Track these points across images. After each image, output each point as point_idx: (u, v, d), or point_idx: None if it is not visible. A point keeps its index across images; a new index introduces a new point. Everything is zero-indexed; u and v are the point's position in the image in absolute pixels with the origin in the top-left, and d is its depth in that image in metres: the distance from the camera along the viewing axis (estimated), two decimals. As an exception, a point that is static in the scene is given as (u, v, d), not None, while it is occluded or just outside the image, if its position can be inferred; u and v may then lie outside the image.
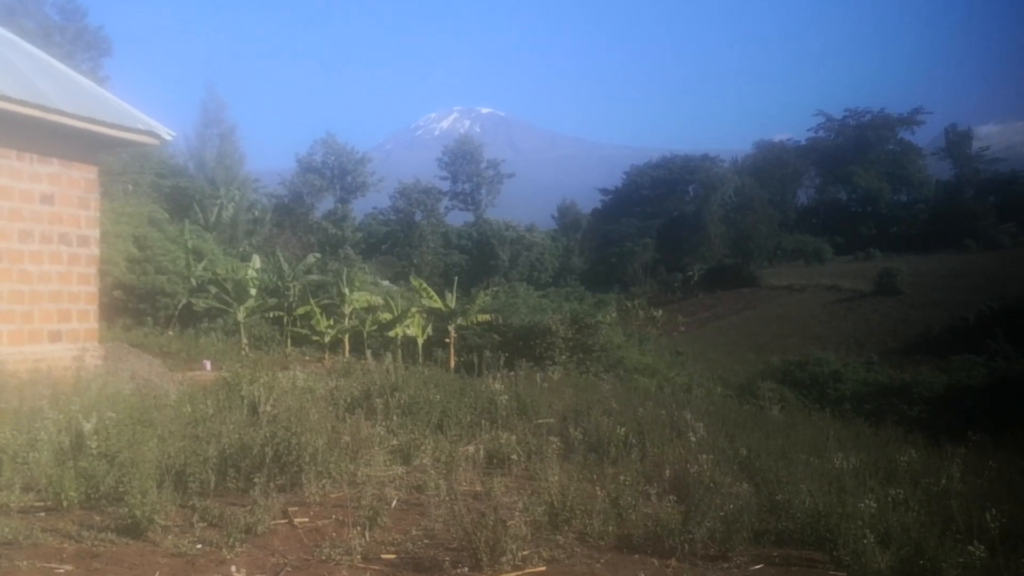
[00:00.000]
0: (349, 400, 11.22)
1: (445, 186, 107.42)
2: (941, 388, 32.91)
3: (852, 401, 31.28)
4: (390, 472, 8.51)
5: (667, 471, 8.68)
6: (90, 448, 7.48)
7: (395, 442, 9.27)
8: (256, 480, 7.08)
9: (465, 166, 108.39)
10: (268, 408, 8.84)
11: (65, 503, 6.83)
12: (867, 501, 6.80)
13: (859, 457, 9.62)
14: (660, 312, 77.28)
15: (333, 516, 7.10)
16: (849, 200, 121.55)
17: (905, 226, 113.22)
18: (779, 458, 9.35)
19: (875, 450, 11.12)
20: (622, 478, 7.93)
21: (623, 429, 9.97)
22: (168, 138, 13.58)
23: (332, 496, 7.57)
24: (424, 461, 8.69)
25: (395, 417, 10.34)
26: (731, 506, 7.00)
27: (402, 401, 10.85)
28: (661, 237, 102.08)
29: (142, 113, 13.40)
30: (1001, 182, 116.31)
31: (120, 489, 6.80)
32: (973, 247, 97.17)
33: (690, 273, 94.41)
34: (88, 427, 7.65)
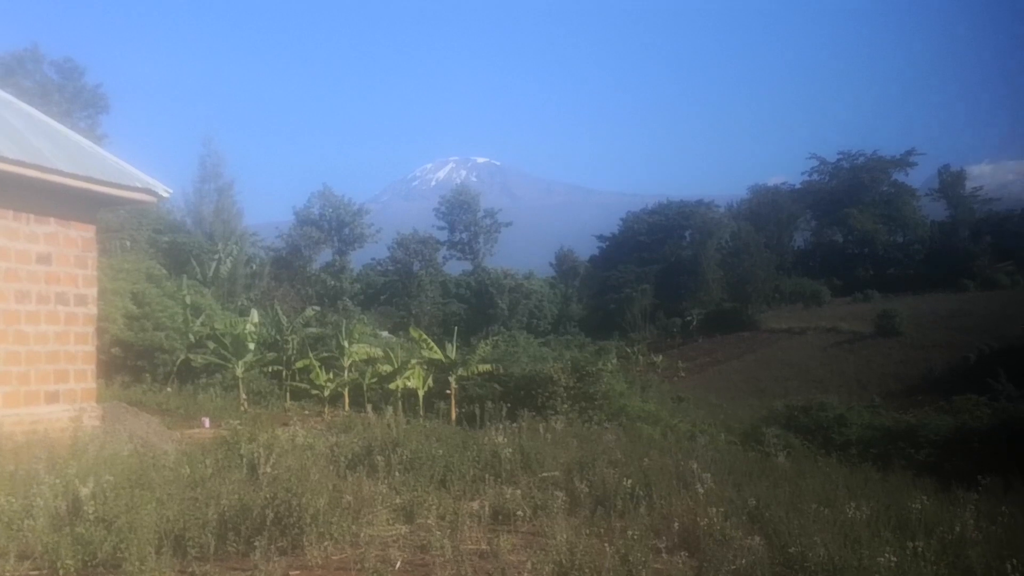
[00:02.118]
0: (350, 457, 11.06)
1: (442, 236, 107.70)
2: (947, 431, 32.58)
3: (858, 446, 30.92)
4: (393, 531, 8.32)
5: (676, 524, 8.50)
6: (87, 513, 7.31)
7: (398, 500, 9.09)
8: (257, 543, 6.91)
9: (462, 215, 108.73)
10: (268, 469, 8.67)
11: (62, 571, 6.65)
12: (886, 554, 6.64)
13: (870, 505, 9.44)
14: (660, 358, 77.11)
15: (336, 579, 6.93)
16: (845, 242, 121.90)
17: (902, 267, 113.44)
18: (789, 508, 9.18)
19: (885, 497, 10.93)
20: (630, 532, 7.75)
21: (629, 481, 9.80)
22: (166, 195, 13.55)
23: (335, 558, 7.39)
24: (428, 520, 8.51)
25: (397, 474, 10.16)
26: (744, 560, 6.84)
27: (404, 457, 10.67)
28: (659, 283, 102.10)
29: (139, 171, 13.39)
30: (996, 221, 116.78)
31: (118, 555, 6.64)
32: (970, 287, 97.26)
33: (689, 318, 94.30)
34: (85, 492, 7.50)
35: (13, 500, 7.46)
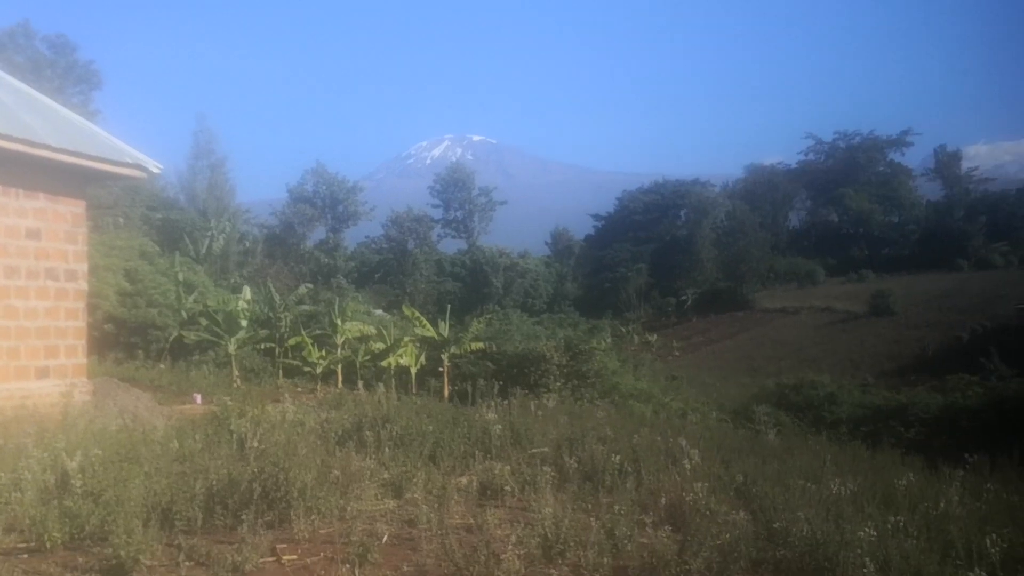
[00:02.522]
0: (340, 433, 11.08)
1: (437, 214, 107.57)
2: (937, 409, 32.78)
3: (848, 424, 31.14)
4: (381, 506, 8.36)
5: (663, 499, 8.54)
6: (75, 487, 7.34)
7: (386, 475, 9.12)
8: (244, 517, 6.94)
9: (457, 194, 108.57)
10: (256, 444, 8.69)
11: (48, 544, 6.67)
12: (867, 529, 6.69)
13: (856, 482, 9.49)
14: (655, 337, 77.26)
15: (322, 553, 6.95)
16: (840, 222, 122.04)
17: (897, 247, 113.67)
18: (776, 484, 9.23)
19: (872, 474, 10.99)
20: (617, 508, 7.79)
21: (618, 457, 9.84)
22: (156, 171, 13.50)
23: (321, 532, 7.42)
24: (416, 494, 8.55)
25: (387, 449, 10.19)
26: (728, 535, 6.88)
27: (394, 433, 10.70)
28: (654, 262, 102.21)
29: (130, 146, 13.34)
30: (991, 202, 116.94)
31: (105, 528, 6.65)
32: (965, 267, 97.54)
33: (684, 297, 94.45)
34: (73, 465, 7.51)
35: (2, 474, 7.48)
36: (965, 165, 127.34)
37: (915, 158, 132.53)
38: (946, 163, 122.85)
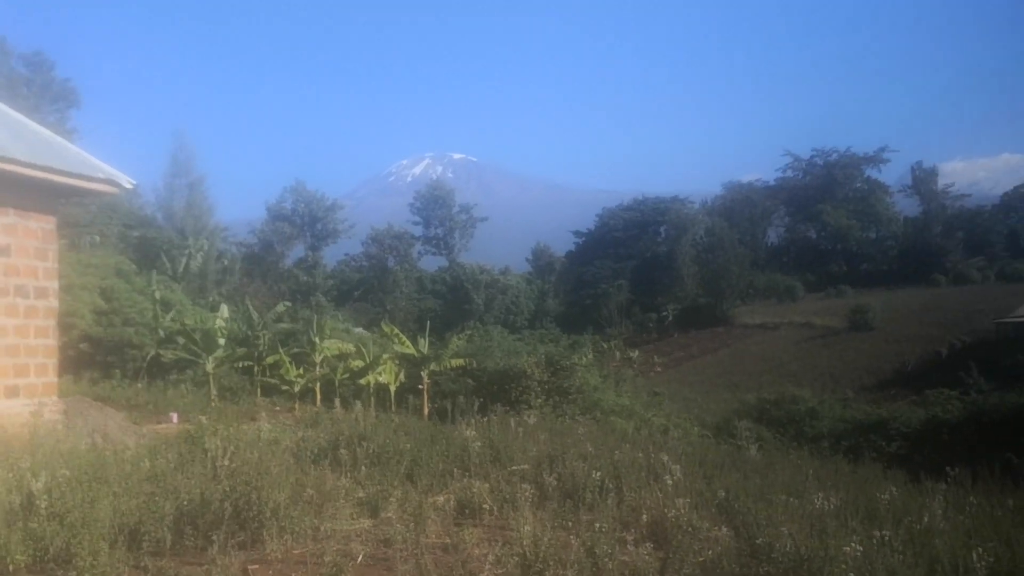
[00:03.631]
0: (316, 451, 10.90)
1: (418, 231, 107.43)
2: (918, 423, 32.84)
3: (830, 438, 31.13)
4: (356, 526, 8.18)
5: (644, 516, 8.43)
6: (40, 508, 7.13)
7: (362, 494, 8.95)
8: (214, 538, 6.77)
9: (437, 211, 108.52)
10: (226, 462, 8.49)
11: (11, 567, 6.47)
12: (852, 544, 6.58)
13: (839, 496, 9.41)
14: (636, 353, 77.26)
15: (295, 574, 6.79)
16: (819, 238, 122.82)
17: (875, 263, 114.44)
18: (758, 499, 9.14)
19: (855, 488, 10.92)
20: (598, 525, 7.66)
21: (599, 474, 9.71)
22: (128, 187, 13.29)
23: (295, 552, 7.24)
24: (391, 513, 8.37)
25: (363, 468, 10.02)
26: (710, 551, 6.77)
27: (370, 451, 10.53)
28: (635, 278, 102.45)
29: (102, 162, 13.13)
30: (967, 217, 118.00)
31: (70, 551, 6.46)
32: (942, 282, 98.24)
33: (664, 313, 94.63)
34: (38, 486, 7.31)
35: (-34, 496, 7.27)
36: (941, 181, 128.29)
37: (892, 175, 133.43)
38: (923, 179, 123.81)
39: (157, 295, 31.51)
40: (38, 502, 7.19)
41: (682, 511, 8.09)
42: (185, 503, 7.46)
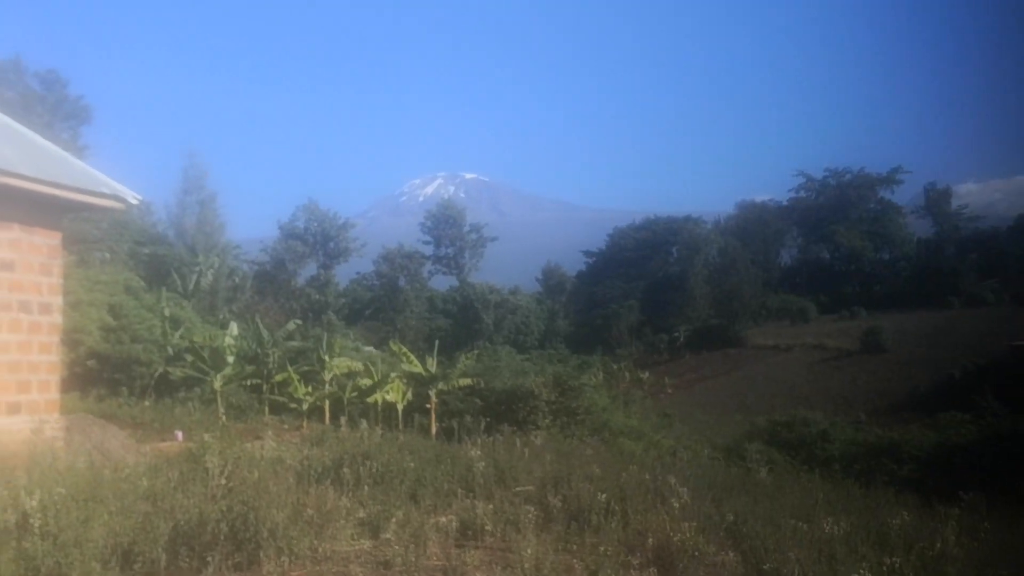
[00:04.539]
0: (320, 470, 10.77)
1: (428, 251, 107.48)
2: (931, 447, 32.47)
3: (841, 461, 30.79)
4: (356, 547, 8.04)
5: (650, 540, 8.26)
6: (33, 527, 7.01)
7: (363, 514, 8.80)
8: (209, 559, 6.63)
9: (448, 230, 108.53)
10: (223, 481, 8.37)
11: (1, 587, 6.36)
12: (862, 570, 6.41)
13: (850, 521, 9.22)
14: (646, 374, 76.94)
15: (291, 596, 6.65)
16: (832, 259, 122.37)
17: (888, 284, 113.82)
18: (767, 523, 8.96)
19: (866, 513, 10.73)
20: (602, 548, 7.52)
21: (604, 496, 9.55)
22: (134, 202, 13.23)
23: (292, 574, 7.11)
24: (392, 534, 8.23)
25: (366, 487, 9.88)
26: (716, 577, 6.60)
27: (374, 470, 10.40)
28: (646, 299, 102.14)
29: (109, 178, 13.08)
30: (981, 239, 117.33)
31: (62, 571, 6.35)
32: (956, 304, 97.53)
33: (676, 334, 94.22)
34: (32, 504, 7.19)
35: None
36: (955, 203, 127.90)
37: (905, 196, 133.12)
38: (936, 200, 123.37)
39: (166, 312, 31.54)
40: (32, 521, 7.08)
41: (688, 535, 7.94)
42: (182, 523, 7.33)
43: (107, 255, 42.09)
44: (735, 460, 23.80)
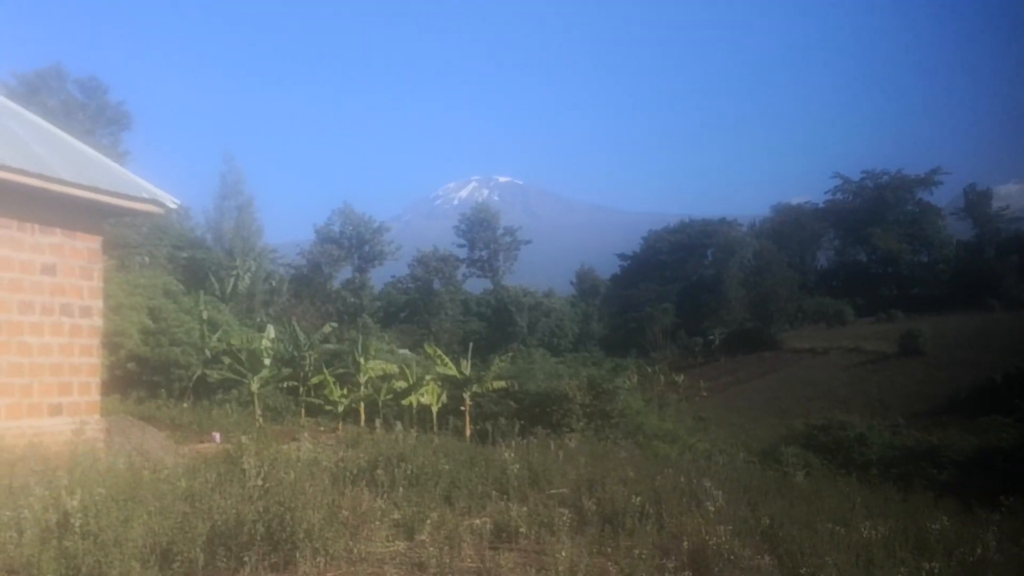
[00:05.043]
0: (355, 471, 10.83)
1: (463, 254, 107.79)
2: (971, 451, 32.03)
3: (879, 466, 30.47)
4: (391, 548, 8.08)
5: (685, 543, 8.23)
6: (74, 526, 7.12)
7: (398, 515, 8.84)
8: (246, 559, 6.70)
9: (482, 233, 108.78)
10: (259, 482, 8.44)
11: (43, 585, 6.46)
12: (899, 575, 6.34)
13: (888, 525, 9.12)
14: (681, 377, 76.54)
15: (327, 597, 6.70)
16: (869, 261, 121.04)
17: (927, 287, 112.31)
18: (803, 527, 8.88)
19: (904, 517, 10.60)
20: (637, 552, 7.50)
21: (639, 499, 9.52)
22: (173, 206, 13.40)
23: (328, 575, 7.16)
24: (426, 536, 8.26)
25: (400, 489, 9.92)
26: (752, 581, 6.56)
27: (408, 472, 10.45)
28: (681, 301, 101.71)
29: (148, 183, 13.27)
30: (1022, 241, 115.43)
31: (102, 570, 6.44)
32: (996, 306, 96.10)
33: (711, 337, 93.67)
34: (73, 504, 7.31)
35: (5, 513, 7.30)
36: (996, 204, 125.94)
37: (944, 197, 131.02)
38: (976, 202, 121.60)
39: (204, 315, 31.84)
40: (73, 520, 7.19)
41: (724, 538, 7.90)
42: (219, 523, 7.41)
43: (146, 259, 42.63)
44: (771, 464, 23.64)
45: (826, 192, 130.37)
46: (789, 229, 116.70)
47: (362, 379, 29.56)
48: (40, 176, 11.13)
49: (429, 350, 31.44)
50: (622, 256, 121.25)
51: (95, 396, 12.71)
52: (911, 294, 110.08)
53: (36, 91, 49.01)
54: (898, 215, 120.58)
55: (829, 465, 27.79)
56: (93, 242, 12.70)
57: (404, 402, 28.43)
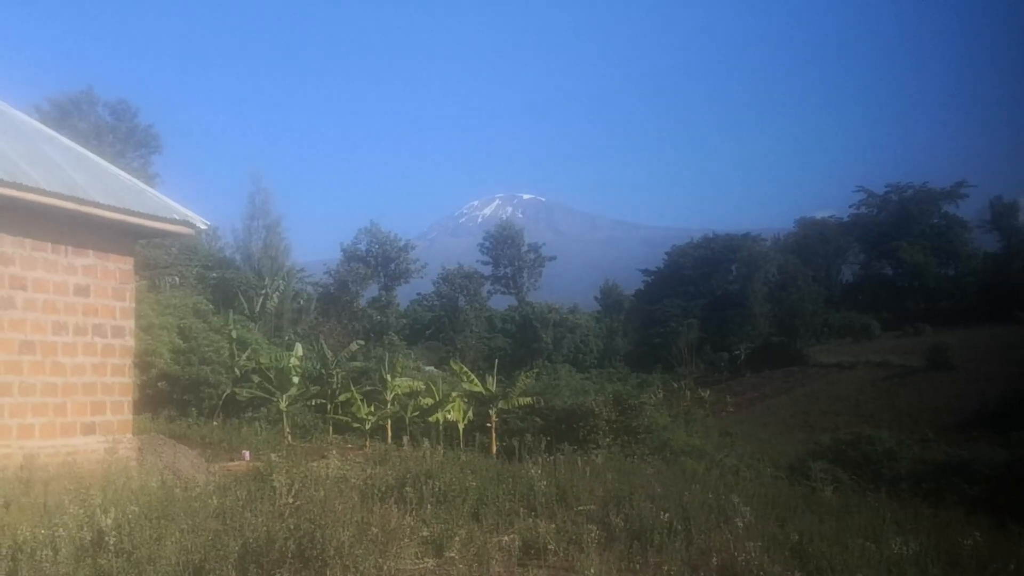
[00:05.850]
0: (383, 489, 10.90)
1: (487, 271, 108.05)
2: (1003, 465, 31.62)
3: (909, 480, 30.14)
4: (420, 565, 8.13)
5: (714, 559, 8.22)
6: (108, 544, 7.23)
7: (426, 532, 8.90)
8: (277, 575, 6.77)
9: (506, 250, 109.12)
10: (290, 500, 8.52)
11: (79, 603, 6.56)
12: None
13: (919, 541, 9.07)
14: (707, 392, 76.17)
15: (358, 613, 6.75)
16: (895, 275, 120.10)
17: (954, 300, 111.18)
18: (833, 543, 8.86)
19: (935, 533, 10.53)
20: (666, 568, 7.51)
21: (667, 515, 9.52)
22: (203, 227, 13.58)
23: (358, 592, 7.21)
24: (455, 553, 8.30)
25: (428, 506, 9.98)
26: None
27: (436, 489, 10.51)
28: (705, 316, 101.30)
29: (178, 204, 13.45)
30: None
31: (136, 587, 6.54)
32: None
33: (736, 352, 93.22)
34: (108, 522, 7.42)
35: (40, 531, 7.42)
36: (1023, 216, 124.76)
37: (970, 210, 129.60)
38: (1003, 214, 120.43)
39: (234, 334, 32.08)
40: (107, 538, 7.30)
41: (753, 554, 7.89)
42: (250, 540, 7.49)
43: (176, 279, 43.07)
44: (799, 479, 23.48)
45: (850, 206, 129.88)
46: (814, 243, 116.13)
47: (389, 396, 29.69)
48: (74, 199, 11.32)
49: (455, 367, 31.53)
50: (646, 271, 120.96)
51: (127, 415, 12.86)
52: (938, 307, 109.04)
53: (68, 115, 49.77)
54: (924, 228, 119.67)
55: (858, 480, 27.54)
56: (125, 263, 12.89)
57: (431, 419, 28.52)
